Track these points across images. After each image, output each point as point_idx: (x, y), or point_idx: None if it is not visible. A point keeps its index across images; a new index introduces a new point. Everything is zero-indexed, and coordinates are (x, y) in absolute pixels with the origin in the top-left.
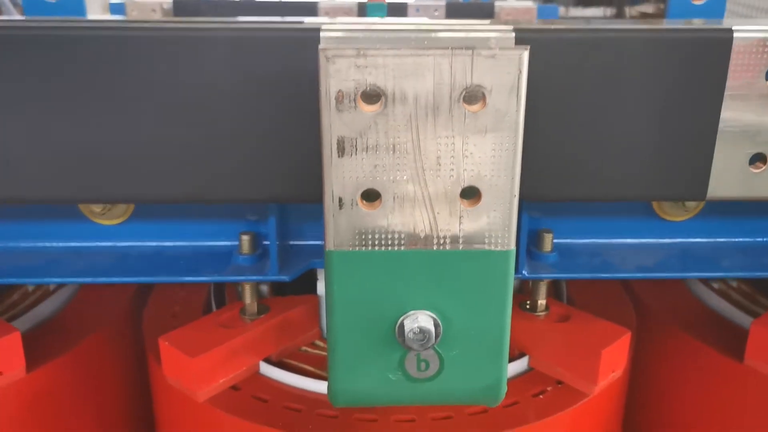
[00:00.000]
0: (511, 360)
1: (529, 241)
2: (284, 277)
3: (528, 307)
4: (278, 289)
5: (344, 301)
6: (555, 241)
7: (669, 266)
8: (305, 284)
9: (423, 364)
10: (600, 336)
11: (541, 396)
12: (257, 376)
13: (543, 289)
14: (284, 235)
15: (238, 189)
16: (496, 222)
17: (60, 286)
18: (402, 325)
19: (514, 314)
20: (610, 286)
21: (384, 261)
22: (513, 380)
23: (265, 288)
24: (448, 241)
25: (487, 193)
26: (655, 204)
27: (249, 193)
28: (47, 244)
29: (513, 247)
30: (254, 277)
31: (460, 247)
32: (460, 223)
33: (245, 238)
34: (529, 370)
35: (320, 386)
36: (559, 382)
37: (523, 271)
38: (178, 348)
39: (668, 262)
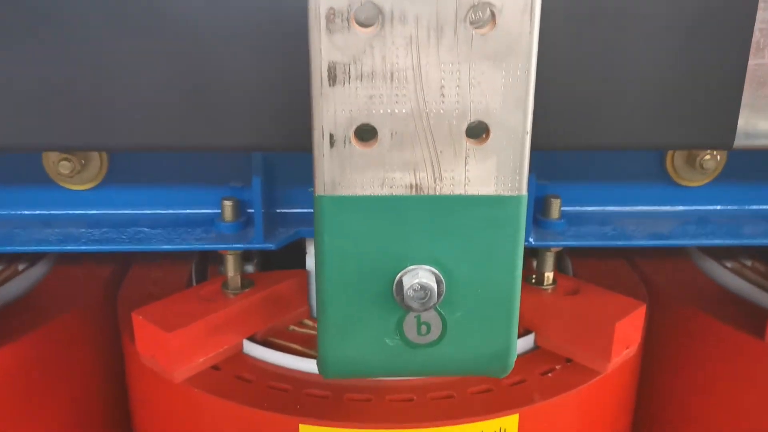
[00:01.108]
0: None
1: (535, 208)
2: (270, 245)
3: (534, 281)
4: (265, 267)
5: (336, 253)
6: (563, 209)
7: (686, 234)
8: (294, 261)
9: (423, 328)
10: (612, 309)
11: (549, 374)
12: (240, 355)
13: (550, 260)
14: (270, 201)
15: (219, 135)
16: (506, 163)
17: (32, 263)
18: (400, 282)
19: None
20: (617, 266)
21: (380, 208)
22: (519, 358)
23: (250, 268)
24: (452, 184)
25: (497, 130)
26: (669, 168)
27: (231, 140)
28: (12, 212)
29: (525, 192)
30: (237, 245)
31: (466, 192)
32: (465, 164)
33: (228, 203)
34: (536, 348)
35: (309, 365)
36: (569, 360)
37: (530, 239)
38: (153, 322)
39: (685, 229)
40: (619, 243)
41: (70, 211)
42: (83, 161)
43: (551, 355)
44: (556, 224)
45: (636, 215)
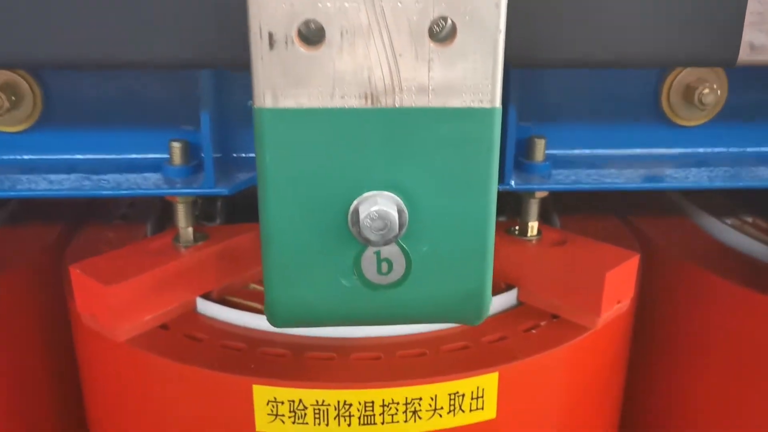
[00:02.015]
0: (496, 293)
1: (517, 151)
2: (222, 190)
3: (517, 231)
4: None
5: (280, 177)
6: (549, 152)
7: (683, 177)
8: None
9: (384, 265)
10: (602, 260)
11: (533, 331)
12: (193, 315)
13: (534, 208)
14: (225, 144)
15: (158, 48)
16: (476, 69)
17: None
18: (356, 211)
19: (499, 241)
20: (609, 223)
21: (331, 122)
22: (500, 315)
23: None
24: (413, 94)
25: (465, 28)
26: (665, 106)
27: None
28: None
29: (498, 104)
30: (185, 191)
31: (430, 103)
32: (429, 69)
33: (176, 145)
34: (519, 304)
35: (267, 323)
36: (555, 317)
37: (511, 182)
38: (92, 276)
39: (682, 173)
40: (611, 186)
41: (1, 156)
42: (13, 98)
43: (535, 311)
44: (540, 167)
45: (629, 158)
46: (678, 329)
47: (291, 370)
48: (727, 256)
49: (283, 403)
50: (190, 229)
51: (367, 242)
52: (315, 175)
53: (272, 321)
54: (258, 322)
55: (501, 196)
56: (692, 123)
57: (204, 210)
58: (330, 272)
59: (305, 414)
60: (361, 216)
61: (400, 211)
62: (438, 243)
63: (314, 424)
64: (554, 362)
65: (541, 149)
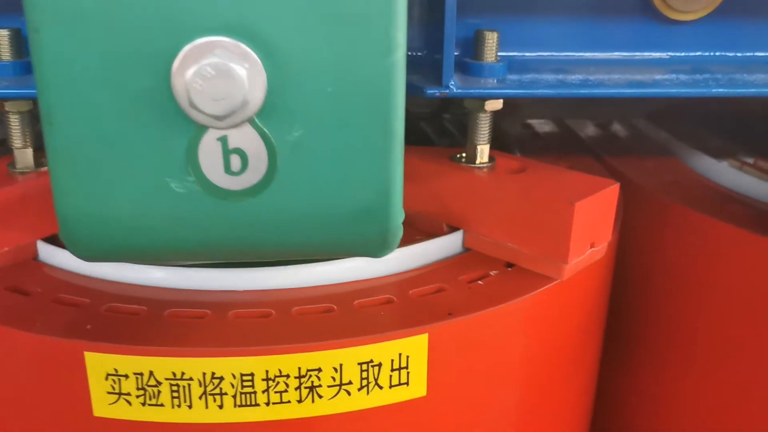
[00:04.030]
0: (435, 236)
1: (463, 51)
2: None
3: (463, 158)
4: None
5: (59, 29)
6: (505, 53)
7: (675, 82)
8: None
9: (235, 160)
10: (571, 189)
11: (479, 282)
12: (32, 263)
13: (485, 126)
14: None
15: None
16: None
17: None
18: (182, 67)
19: (440, 170)
20: (581, 163)
21: None
22: (440, 265)
23: None
24: None
25: None
26: None
27: None
28: None
29: None
30: (17, 91)
31: None
32: None
33: (3, 33)
34: (466, 251)
35: (121, 272)
36: (510, 265)
37: (450, 84)
38: None
39: (673, 78)
40: (584, 92)
41: None
42: None
43: (485, 259)
44: (491, 69)
45: (609, 63)
46: (671, 281)
47: (142, 332)
48: (724, 198)
49: (127, 377)
50: (29, 151)
51: (203, 121)
52: (114, 18)
53: (73, 248)
54: (108, 269)
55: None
56: (688, 16)
57: None
58: (152, 172)
59: (159, 392)
60: (188, 74)
61: (253, 69)
62: (317, 127)
63: (172, 406)
64: (505, 322)
65: (492, 47)
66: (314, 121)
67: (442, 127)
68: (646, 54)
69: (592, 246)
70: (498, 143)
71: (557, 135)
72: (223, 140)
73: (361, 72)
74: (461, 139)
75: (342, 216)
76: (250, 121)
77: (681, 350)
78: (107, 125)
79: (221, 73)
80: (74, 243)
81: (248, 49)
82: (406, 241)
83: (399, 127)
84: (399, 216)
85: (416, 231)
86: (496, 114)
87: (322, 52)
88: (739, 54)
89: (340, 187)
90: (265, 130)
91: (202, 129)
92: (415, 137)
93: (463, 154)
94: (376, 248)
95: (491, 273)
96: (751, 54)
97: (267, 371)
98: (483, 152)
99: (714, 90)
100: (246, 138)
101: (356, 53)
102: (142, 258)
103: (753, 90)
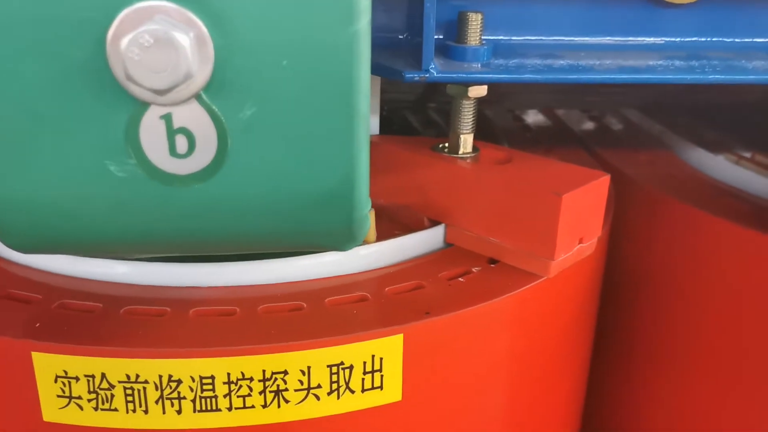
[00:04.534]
0: (416, 230)
1: (447, 34)
2: None
3: (446, 148)
4: None
5: None
6: (491, 37)
7: (669, 68)
8: None
9: (181, 141)
10: (558, 180)
11: (460, 279)
12: None
13: (468, 114)
14: None
15: None
16: None
17: None
18: (117, 35)
19: (420, 160)
20: (572, 155)
21: None
22: (420, 260)
23: None
24: None
25: None
26: None
27: None
28: None
29: None
30: None
31: None
32: None
33: None
34: (447, 246)
35: (80, 266)
36: (493, 262)
37: (430, 68)
38: None
39: (667, 64)
40: (572, 77)
41: None
42: None
43: (468, 255)
44: (474, 52)
45: (600, 48)
46: (664, 277)
47: (95, 331)
48: (723, 194)
49: (78, 379)
50: None
51: (143, 96)
52: None
53: (4, 239)
54: (69, 264)
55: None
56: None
57: None
58: (89, 154)
59: (112, 396)
60: (124, 43)
61: (198, 38)
62: (272, 105)
63: (126, 411)
64: (486, 322)
65: (475, 29)
66: (269, 97)
67: (427, 117)
68: (640, 39)
69: (580, 242)
70: (485, 134)
71: (548, 126)
72: (167, 118)
73: (320, 43)
74: (447, 129)
75: (302, 204)
76: (197, 97)
77: (675, 348)
78: (36, 101)
79: (161, 41)
80: (5, 232)
81: (193, 16)
82: (384, 235)
83: (363, 104)
84: (365, 204)
85: (396, 225)
86: (484, 104)
87: (276, 20)
88: (737, 40)
89: (299, 171)
90: (213, 107)
91: (143, 106)
92: (397, 126)
93: (446, 144)
94: (341, 240)
95: (473, 270)
96: (750, 40)
97: (228, 374)
98: (466, 142)
99: (711, 76)
100: (193, 116)
101: (314, 21)
102: (82, 250)
103: (752, 77)
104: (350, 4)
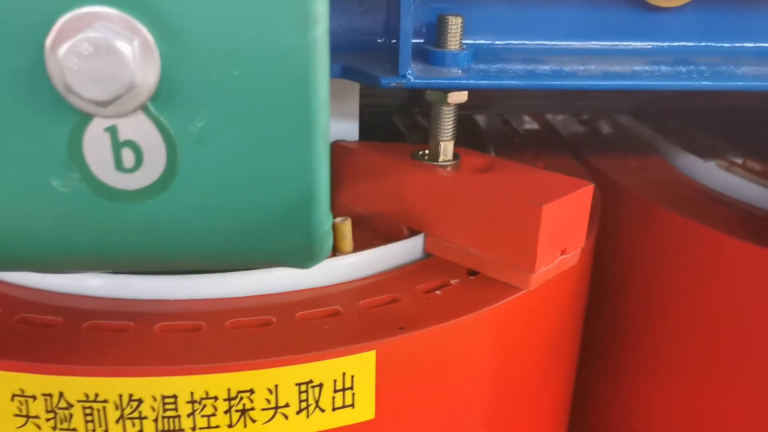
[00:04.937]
0: (394, 240)
1: (427, 38)
2: None
3: (426, 156)
4: None
5: None
6: (472, 41)
7: (656, 74)
8: None
9: (127, 154)
10: (540, 190)
11: (437, 292)
12: None
13: (448, 120)
14: None
15: None
16: None
17: None
18: (55, 42)
19: (398, 168)
20: (560, 162)
21: None
22: (396, 272)
23: None
24: None
25: None
26: None
27: None
28: None
29: None
30: None
31: None
32: None
33: None
34: (426, 257)
35: (43, 279)
36: (472, 273)
37: (407, 74)
38: None
39: (654, 70)
40: (555, 83)
41: None
42: None
43: (447, 267)
44: (455, 57)
45: (585, 53)
46: (654, 287)
47: (54, 347)
48: (714, 201)
49: (35, 398)
50: None
51: (84, 107)
52: None
53: None
54: (31, 276)
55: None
56: (672, 2)
57: None
58: (31, 168)
59: (70, 416)
60: (62, 51)
61: (142, 46)
62: (225, 116)
63: (86, 431)
64: (463, 337)
65: (455, 33)
66: (220, 108)
67: (414, 121)
68: (626, 44)
69: (562, 253)
70: (472, 140)
71: (536, 131)
72: (112, 131)
73: (274, 51)
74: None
75: (258, 220)
76: (143, 108)
77: (666, 356)
78: None
79: (101, 50)
80: None
81: (137, 23)
82: (362, 245)
83: (322, 115)
84: (325, 220)
85: (374, 234)
86: (472, 108)
87: (227, 28)
88: (726, 44)
89: (255, 186)
90: (161, 119)
91: (86, 118)
92: (384, 130)
93: (426, 151)
94: (301, 258)
95: (452, 282)
96: (740, 45)
97: (192, 393)
98: (446, 149)
99: (698, 83)
100: (139, 128)
101: (268, 29)
102: (27, 266)
103: (740, 83)
104: (306, 11)
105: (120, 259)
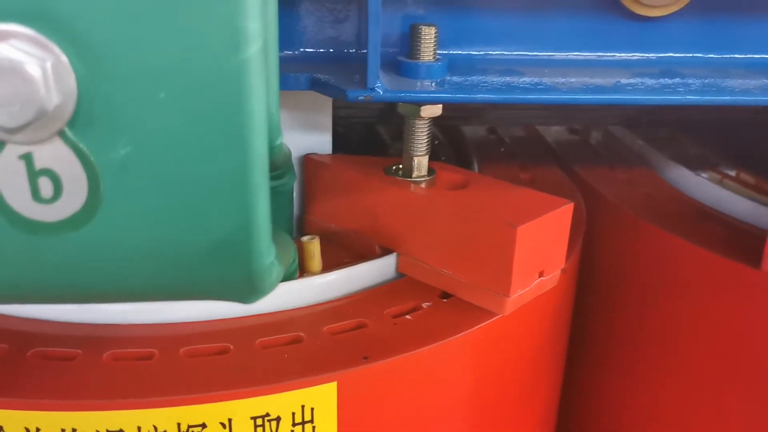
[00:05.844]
0: (364, 259)
1: (400, 47)
2: None
3: (400, 171)
4: None
5: None
6: (447, 51)
7: (641, 88)
8: None
9: (45, 183)
10: (516, 209)
11: (408, 317)
12: None
13: (423, 134)
14: None
15: None
16: None
17: None
18: None
19: (370, 183)
20: (546, 174)
21: None
22: (366, 294)
23: None
24: None
25: None
26: None
27: None
28: None
29: None
30: None
31: None
32: None
33: None
34: (399, 277)
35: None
36: (446, 296)
37: (376, 87)
38: None
39: (640, 82)
40: (533, 97)
41: None
42: None
43: (419, 288)
44: (428, 69)
45: (567, 65)
46: (642, 304)
47: (7, 376)
48: (704, 217)
49: None
50: None
51: None
52: None
53: None
54: None
55: None
56: (658, 12)
57: None
58: None
59: None
60: None
61: (55, 68)
62: (151, 143)
63: None
64: (433, 366)
65: (429, 43)
66: (146, 135)
67: (398, 130)
68: (610, 54)
69: (540, 275)
70: (456, 151)
71: (524, 142)
72: (27, 159)
73: (202, 73)
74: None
75: (192, 254)
76: (60, 134)
77: (652, 372)
78: None
79: (6, 72)
80: None
81: (48, 41)
82: (332, 263)
83: (259, 141)
84: (266, 253)
85: (346, 252)
86: (457, 118)
87: (150, 47)
88: (714, 56)
89: (187, 218)
90: (80, 146)
91: None
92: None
93: (400, 166)
94: (242, 293)
95: (423, 305)
96: (729, 56)
97: (139, 427)
98: (420, 165)
99: (683, 97)
100: (57, 156)
101: (195, 48)
102: None
103: (728, 98)
104: (236, 29)
105: (42, 294)
